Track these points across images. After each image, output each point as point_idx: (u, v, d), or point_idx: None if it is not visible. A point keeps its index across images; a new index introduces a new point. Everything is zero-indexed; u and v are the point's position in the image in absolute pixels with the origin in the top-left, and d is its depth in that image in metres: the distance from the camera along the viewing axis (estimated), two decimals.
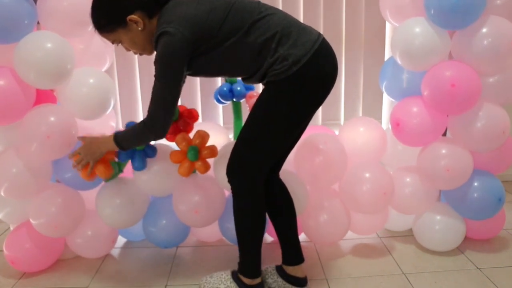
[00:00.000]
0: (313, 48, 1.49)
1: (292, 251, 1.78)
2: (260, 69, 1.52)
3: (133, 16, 1.48)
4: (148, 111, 1.52)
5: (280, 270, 1.79)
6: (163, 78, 1.47)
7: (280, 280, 1.77)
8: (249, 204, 1.62)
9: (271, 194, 1.73)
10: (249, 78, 1.59)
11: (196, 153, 1.77)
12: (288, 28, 1.50)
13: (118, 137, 1.63)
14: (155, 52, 1.50)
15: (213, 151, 1.81)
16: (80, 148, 1.71)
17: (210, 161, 1.86)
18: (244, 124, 1.59)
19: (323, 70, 1.52)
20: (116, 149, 1.66)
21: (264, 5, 1.55)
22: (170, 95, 1.49)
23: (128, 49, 1.60)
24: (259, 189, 1.63)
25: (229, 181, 1.63)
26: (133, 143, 1.65)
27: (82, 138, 1.73)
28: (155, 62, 1.47)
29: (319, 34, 1.56)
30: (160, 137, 1.57)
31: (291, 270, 1.78)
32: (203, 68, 1.55)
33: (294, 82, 1.48)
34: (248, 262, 1.70)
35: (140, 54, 1.62)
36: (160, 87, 1.49)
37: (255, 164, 1.59)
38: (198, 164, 1.79)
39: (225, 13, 1.47)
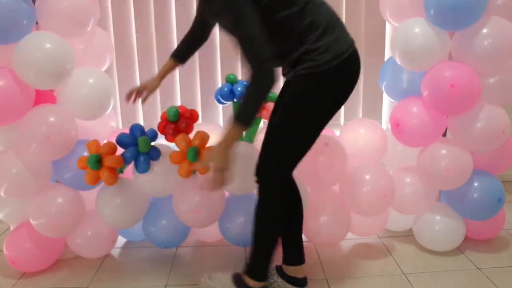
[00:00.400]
0: (351, 47, 1.52)
1: (294, 251, 1.77)
2: (296, 51, 1.48)
3: None
4: (248, 61, 1.38)
5: (279, 270, 1.79)
6: (239, 18, 1.37)
7: (280, 280, 1.77)
8: (276, 206, 1.60)
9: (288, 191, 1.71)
10: (282, 59, 1.52)
11: (196, 154, 1.77)
12: (335, 20, 1.52)
13: (238, 118, 1.42)
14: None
15: None
16: (207, 162, 1.49)
17: None
18: (273, 121, 1.58)
19: (356, 70, 1.55)
20: (242, 132, 1.46)
21: None
22: (256, 30, 1.37)
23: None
24: (287, 190, 1.61)
25: (258, 181, 1.59)
26: (256, 106, 1.41)
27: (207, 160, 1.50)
28: (226, 9, 1.38)
29: (353, 39, 1.58)
30: (274, 79, 1.38)
31: (291, 270, 1.77)
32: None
33: (332, 77, 1.48)
34: (260, 264, 1.67)
35: None
36: (242, 29, 1.37)
37: (289, 162, 1.57)
38: (198, 165, 1.79)
39: None
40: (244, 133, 2.03)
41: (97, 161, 1.73)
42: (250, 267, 1.68)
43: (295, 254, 1.77)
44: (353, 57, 1.53)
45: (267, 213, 1.61)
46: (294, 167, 1.60)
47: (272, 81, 1.37)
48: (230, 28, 1.45)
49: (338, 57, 1.47)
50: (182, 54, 1.93)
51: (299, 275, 1.77)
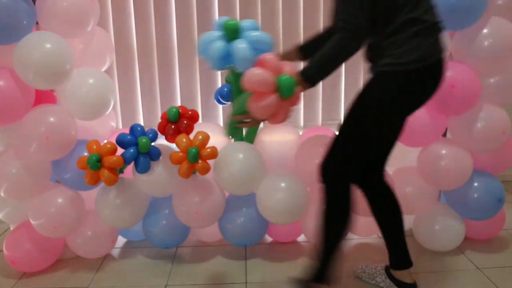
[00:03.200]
0: (439, 57, 1.44)
1: (397, 255, 1.73)
2: (388, 39, 1.40)
3: None
4: (339, 18, 1.38)
5: (388, 271, 1.78)
6: None
7: (388, 281, 1.77)
8: (344, 206, 1.54)
9: (378, 195, 1.69)
10: (373, 46, 1.48)
11: (196, 155, 1.77)
12: (438, 27, 1.44)
13: (307, 69, 1.39)
14: None
15: (213, 152, 1.80)
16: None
17: (210, 162, 1.86)
18: (347, 118, 1.49)
19: (436, 81, 1.47)
20: (303, 89, 1.43)
21: None
22: (363, 3, 1.35)
23: None
24: (353, 190, 1.55)
25: (324, 180, 1.54)
26: (333, 64, 1.40)
27: None
28: None
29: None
30: (361, 40, 1.39)
31: (398, 274, 1.74)
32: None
33: (412, 79, 1.41)
34: (326, 267, 1.60)
35: None
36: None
37: (359, 160, 1.52)
38: (198, 165, 1.79)
39: None
40: (244, 132, 2.04)
41: (97, 161, 1.72)
42: (316, 271, 1.61)
43: (399, 258, 1.73)
44: (437, 67, 1.45)
45: (333, 215, 1.55)
46: (363, 165, 1.54)
47: (357, 45, 1.37)
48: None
49: (420, 61, 1.39)
50: (305, 48, 1.75)
51: (407, 280, 1.72)
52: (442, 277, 1.89)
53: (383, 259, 2.04)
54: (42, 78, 1.74)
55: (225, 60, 1.39)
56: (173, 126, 1.86)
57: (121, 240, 2.26)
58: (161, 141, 1.94)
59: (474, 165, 1.96)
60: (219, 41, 1.40)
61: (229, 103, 2.08)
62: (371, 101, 1.45)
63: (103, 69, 2.06)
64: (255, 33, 1.40)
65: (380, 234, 2.25)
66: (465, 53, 1.85)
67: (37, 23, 1.83)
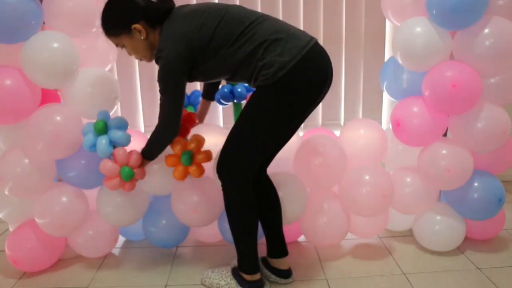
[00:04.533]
0: (299, 54, 1.53)
1: (277, 244, 1.85)
2: (252, 74, 1.58)
3: (137, 25, 1.60)
4: (159, 119, 1.67)
5: (264, 261, 1.88)
6: (167, 93, 1.60)
7: (265, 271, 1.86)
8: (238, 200, 1.68)
9: (259, 190, 1.79)
10: (247, 82, 1.67)
11: (190, 158, 1.78)
12: (276, 34, 1.55)
13: (144, 153, 1.77)
14: (154, 63, 1.64)
15: (208, 155, 1.81)
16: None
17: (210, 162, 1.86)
18: (235, 123, 1.65)
19: (309, 76, 1.56)
20: (147, 163, 1.79)
21: (255, 13, 1.62)
22: (175, 105, 1.63)
23: (130, 54, 1.71)
24: (248, 186, 1.67)
25: (219, 178, 1.69)
26: (156, 150, 1.75)
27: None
28: (158, 81, 1.59)
29: (311, 39, 1.58)
30: (171, 139, 1.72)
31: (275, 262, 1.85)
32: (202, 75, 1.66)
33: (280, 87, 1.53)
34: (245, 258, 1.74)
35: (140, 60, 1.73)
36: (166, 101, 1.63)
37: (243, 161, 1.64)
38: (192, 168, 1.79)
39: (214, 28, 1.55)
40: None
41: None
42: (239, 262, 1.76)
43: (278, 248, 1.85)
44: (305, 62, 1.53)
45: (232, 208, 1.69)
46: (252, 166, 1.66)
47: (169, 140, 1.72)
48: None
49: (282, 69, 1.51)
50: (209, 94, 2.14)
51: (283, 267, 1.85)
52: (442, 277, 1.89)
53: (383, 259, 2.04)
54: (50, 78, 1.75)
55: (93, 148, 1.74)
56: None
57: (121, 240, 2.26)
58: None
59: (474, 165, 1.96)
60: (90, 134, 1.75)
61: (230, 103, 2.08)
62: (254, 112, 1.61)
63: (106, 68, 2.06)
64: (117, 133, 1.75)
65: (379, 234, 2.27)
66: (466, 52, 1.85)
67: (43, 22, 1.83)
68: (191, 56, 1.57)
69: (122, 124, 1.80)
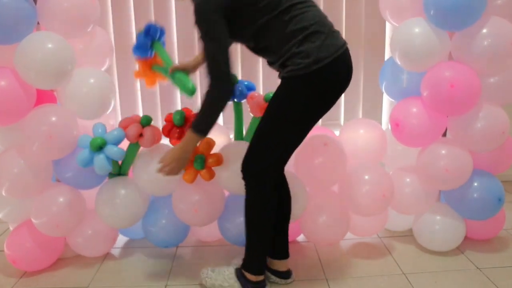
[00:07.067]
0: (336, 53, 1.53)
1: (280, 246, 1.83)
2: (282, 56, 1.53)
3: None
4: (208, 77, 1.50)
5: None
6: (208, 36, 1.48)
7: (266, 272, 1.83)
8: (261, 200, 1.65)
9: (282, 188, 1.77)
10: (271, 64, 1.62)
11: (203, 162, 1.78)
12: (319, 26, 1.53)
13: (194, 126, 1.57)
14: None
15: (218, 159, 1.81)
16: (163, 167, 1.64)
17: None
18: (260, 120, 1.62)
19: (338, 77, 1.57)
20: (199, 140, 1.61)
21: None
22: (222, 51, 1.49)
23: None
24: (273, 186, 1.65)
25: (243, 177, 1.65)
26: (211, 117, 1.56)
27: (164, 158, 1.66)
28: (195, 23, 1.48)
29: (345, 42, 1.60)
30: (230, 94, 1.57)
31: (275, 264, 1.83)
32: (240, 32, 1.55)
33: (310, 80, 1.51)
34: (255, 259, 1.73)
35: None
36: (209, 49, 1.49)
37: (270, 159, 1.61)
38: (203, 171, 1.79)
39: None
40: (244, 133, 2.04)
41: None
42: (246, 261, 1.74)
43: (280, 249, 1.83)
44: (338, 63, 1.54)
45: (253, 208, 1.67)
46: (278, 165, 1.64)
47: (226, 98, 1.54)
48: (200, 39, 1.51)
49: (318, 62, 1.49)
50: None
51: (283, 268, 1.84)
52: (442, 277, 1.89)
53: (383, 259, 2.04)
54: (44, 78, 1.74)
55: (89, 163, 1.75)
56: (178, 130, 1.87)
57: (121, 240, 2.26)
58: (164, 142, 1.95)
59: (474, 165, 1.96)
60: (85, 150, 1.76)
61: (230, 102, 2.08)
62: (282, 106, 1.56)
63: (103, 68, 2.06)
64: (113, 149, 1.76)
65: (379, 234, 2.27)
66: (465, 53, 1.85)
67: (37, 23, 1.83)
68: (232, 5, 1.48)
69: (120, 138, 1.81)
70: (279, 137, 1.58)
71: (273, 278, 1.84)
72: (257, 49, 1.64)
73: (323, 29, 1.53)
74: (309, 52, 1.49)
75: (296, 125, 1.58)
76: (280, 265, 1.84)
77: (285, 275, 1.85)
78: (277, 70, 1.61)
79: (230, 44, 1.53)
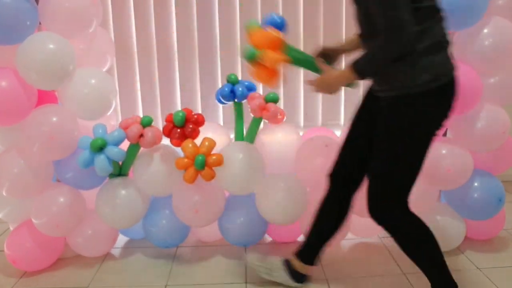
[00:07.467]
0: (452, 72, 1.44)
1: (315, 252, 1.77)
2: (407, 56, 1.36)
3: None
4: (383, 25, 1.32)
5: (287, 265, 1.79)
6: None
7: (285, 274, 1.78)
8: (415, 232, 1.53)
9: (347, 201, 1.71)
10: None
11: (203, 162, 1.78)
12: (445, 41, 1.44)
13: (358, 64, 1.41)
14: None
15: (219, 159, 1.81)
16: (314, 82, 1.54)
17: None
18: (380, 144, 1.49)
19: (455, 94, 1.45)
20: (357, 79, 1.46)
21: None
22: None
23: None
24: (411, 212, 1.53)
25: (377, 218, 1.54)
26: (378, 63, 1.39)
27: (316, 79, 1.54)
28: None
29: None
30: (408, 44, 1.33)
31: (300, 266, 1.77)
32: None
33: (440, 94, 1.40)
34: (444, 282, 1.59)
35: None
36: None
37: (408, 186, 1.49)
38: (204, 171, 1.79)
39: None
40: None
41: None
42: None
43: (314, 256, 1.77)
44: (452, 83, 1.43)
45: (413, 245, 1.55)
46: (409, 193, 1.51)
47: (401, 48, 1.32)
48: None
49: (438, 80, 1.38)
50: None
51: (303, 271, 1.78)
52: None
53: (383, 259, 2.04)
54: (45, 79, 1.75)
55: (89, 164, 1.76)
56: (178, 130, 1.87)
57: (121, 240, 2.26)
58: (166, 142, 1.95)
59: (474, 165, 1.96)
60: (86, 152, 1.75)
61: (230, 103, 2.08)
62: (399, 129, 1.43)
63: (104, 69, 2.06)
64: (113, 150, 1.76)
65: (379, 234, 2.27)
66: (466, 52, 1.84)
67: (39, 23, 1.83)
68: None
69: (120, 138, 1.81)
70: (416, 157, 1.47)
71: (291, 282, 1.78)
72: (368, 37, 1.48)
73: (447, 45, 1.45)
74: (430, 65, 1.39)
75: (428, 141, 1.48)
76: (305, 269, 1.78)
77: (303, 278, 1.79)
78: (380, 81, 1.49)
79: None
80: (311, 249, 1.78)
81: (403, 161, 1.46)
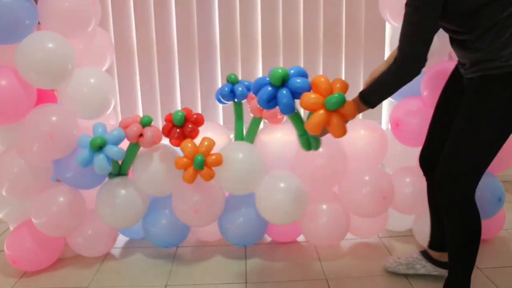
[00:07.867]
0: None
1: (445, 239, 1.70)
2: (489, 45, 1.35)
3: None
4: (399, 50, 1.38)
5: (426, 255, 1.84)
6: (414, 6, 1.35)
7: (429, 264, 1.83)
8: (473, 227, 1.50)
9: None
10: (469, 50, 1.42)
11: (203, 162, 1.78)
12: None
13: (365, 94, 1.44)
14: None
15: (218, 159, 1.81)
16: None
17: None
18: (462, 122, 1.44)
19: None
20: (364, 109, 1.48)
21: None
22: (424, 29, 1.35)
23: None
24: (474, 203, 1.49)
25: (444, 192, 1.48)
26: (385, 91, 1.44)
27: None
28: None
29: None
30: (416, 73, 1.37)
31: (438, 255, 1.82)
32: (452, 17, 1.39)
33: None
34: (464, 280, 1.60)
35: None
36: (411, 21, 1.36)
37: (481, 170, 1.47)
38: (203, 171, 1.79)
39: None
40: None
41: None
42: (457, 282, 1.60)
43: (445, 242, 1.72)
44: None
45: (467, 228, 1.51)
46: (477, 180, 1.48)
47: (408, 77, 1.38)
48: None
49: None
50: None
51: (443, 259, 1.80)
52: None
53: (383, 259, 2.04)
54: (45, 78, 1.75)
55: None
56: (178, 130, 1.87)
57: (121, 240, 2.26)
58: (165, 142, 1.95)
59: None
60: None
61: (230, 102, 2.08)
62: (488, 109, 1.40)
63: (104, 68, 2.07)
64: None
65: (379, 234, 2.27)
66: None
67: (38, 23, 1.83)
68: None
69: (120, 138, 1.81)
70: (494, 138, 1.47)
71: (438, 269, 1.81)
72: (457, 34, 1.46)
73: None
74: None
75: (502, 129, 1.47)
76: (442, 256, 1.79)
77: (447, 265, 1.68)
78: (469, 63, 1.44)
79: (434, 26, 1.37)
80: (439, 237, 1.80)
81: (482, 143, 1.44)
